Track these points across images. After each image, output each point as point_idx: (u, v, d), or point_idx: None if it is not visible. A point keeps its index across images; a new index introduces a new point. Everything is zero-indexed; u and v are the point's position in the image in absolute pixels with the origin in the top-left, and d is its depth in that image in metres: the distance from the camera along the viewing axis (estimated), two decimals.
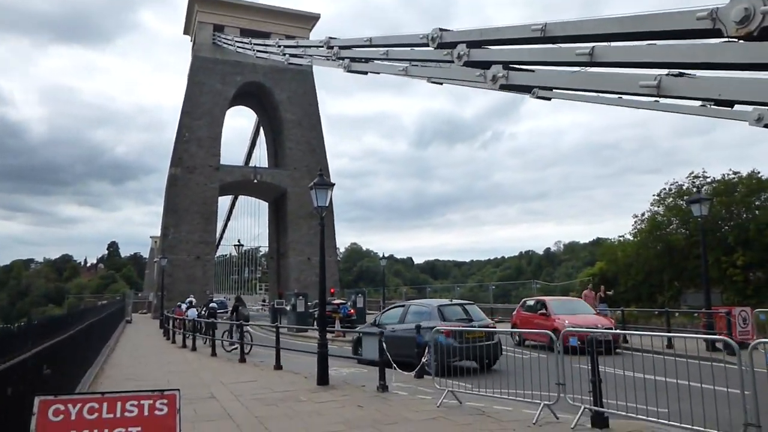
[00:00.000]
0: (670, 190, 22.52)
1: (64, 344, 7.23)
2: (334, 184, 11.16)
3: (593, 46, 6.86)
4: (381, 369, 9.66)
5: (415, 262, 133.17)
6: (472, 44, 9.57)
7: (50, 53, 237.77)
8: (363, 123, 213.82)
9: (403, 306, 14.84)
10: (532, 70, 8.34)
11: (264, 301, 53.41)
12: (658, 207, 22.80)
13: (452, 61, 10.10)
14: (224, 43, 45.97)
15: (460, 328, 11.23)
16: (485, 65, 9.36)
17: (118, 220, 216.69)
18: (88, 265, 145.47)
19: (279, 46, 25.79)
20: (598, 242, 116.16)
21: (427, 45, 11.20)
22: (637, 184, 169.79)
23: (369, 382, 10.41)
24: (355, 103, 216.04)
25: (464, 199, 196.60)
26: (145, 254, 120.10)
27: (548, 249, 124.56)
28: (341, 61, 16.94)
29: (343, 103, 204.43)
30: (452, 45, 9.97)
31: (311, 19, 51.92)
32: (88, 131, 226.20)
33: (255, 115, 58.07)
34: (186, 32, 55.43)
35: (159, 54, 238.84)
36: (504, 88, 9.09)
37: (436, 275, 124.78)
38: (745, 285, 19.19)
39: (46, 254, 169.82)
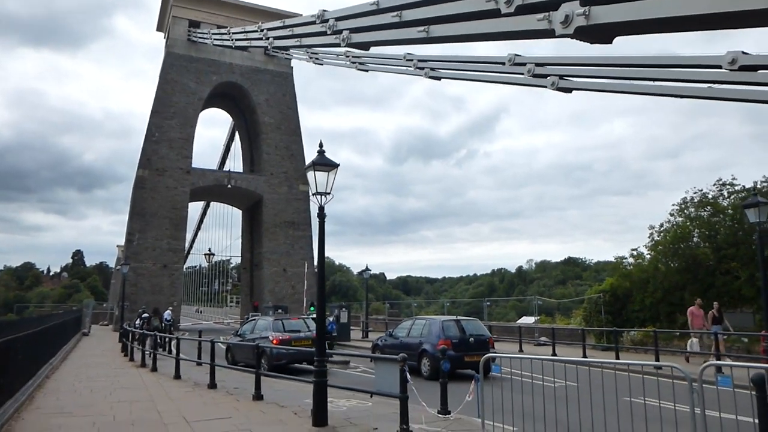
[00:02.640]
0: (691, 198, 20.48)
1: None
2: (338, 165, 8.70)
3: None
4: (403, 407, 7.16)
5: (387, 278, 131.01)
6: None
7: (18, 56, 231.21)
8: (339, 138, 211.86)
9: (254, 320, 18.92)
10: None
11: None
12: (679, 217, 20.71)
13: (498, 10, 7.83)
14: (200, 38, 43.35)
15: (288, 337, 15.75)
16: (551, 6, 7.09)
17: (84, 228, 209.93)
18: (51, 273, 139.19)
19: (261, 30, 23.34)
20: (570, 261, 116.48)
21: None
22: (607, 205, 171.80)
23: (382, 422, 7.93)
24: (331, 117, 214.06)
25: (438, 216, 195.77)
26: (112, 264, 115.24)
27: (520, 267, 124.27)
28: (338, 36, 14.61)
29: (318, 116, 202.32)
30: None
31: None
32: (55, 137, 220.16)
33: (230, 122, 55.36)
34: (159, 29, 52.52)
35: (132, 60, 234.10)
36: (581, 33, 6.78)
37: (408, 291, 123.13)
38: None
39: (8, 262, 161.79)
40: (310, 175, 8.55)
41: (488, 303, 31.43)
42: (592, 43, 7.06)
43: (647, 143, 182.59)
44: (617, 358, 17.14)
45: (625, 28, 6.36)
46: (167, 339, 19.43)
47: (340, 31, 13.91)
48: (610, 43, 6.92)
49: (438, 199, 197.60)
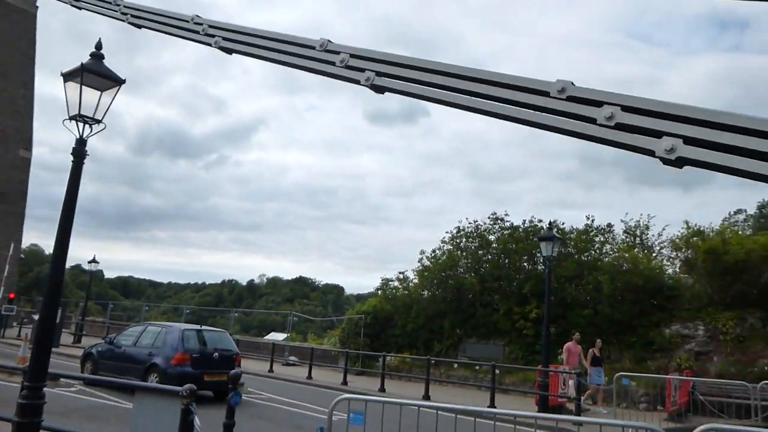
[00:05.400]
0: (463, 229, 20.76)
1: None
2: (123, 81, 5.65)
3: None
4: None
5: (106, 276, 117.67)
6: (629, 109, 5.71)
7: None
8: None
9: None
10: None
11: None
12: (450, 245, 20.82)
13: (593, 120, 6.09)
14: None
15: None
16: (654, 134, 5.62)
17: None
18: None
19: None
20: (300, 280, 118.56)
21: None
22: (344, 231, 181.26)
23: None
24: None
25: (176, 217, 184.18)
26: None
27: (252, 280, 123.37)
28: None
29: (60, 84, 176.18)
30: (594, 102, 6.09)
31: None
32: None
33: None
34: None
35: None
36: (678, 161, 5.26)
37: (128, 293, 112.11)
38: (534, 339, 17.81)
39: None
40: (71, 86, 5.40)
41: (235, 314, 28.42)
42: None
43: (388, 180, 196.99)
44: (383, 385, 16.13)
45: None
46: None
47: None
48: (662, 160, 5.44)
49: (178, 200, 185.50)
